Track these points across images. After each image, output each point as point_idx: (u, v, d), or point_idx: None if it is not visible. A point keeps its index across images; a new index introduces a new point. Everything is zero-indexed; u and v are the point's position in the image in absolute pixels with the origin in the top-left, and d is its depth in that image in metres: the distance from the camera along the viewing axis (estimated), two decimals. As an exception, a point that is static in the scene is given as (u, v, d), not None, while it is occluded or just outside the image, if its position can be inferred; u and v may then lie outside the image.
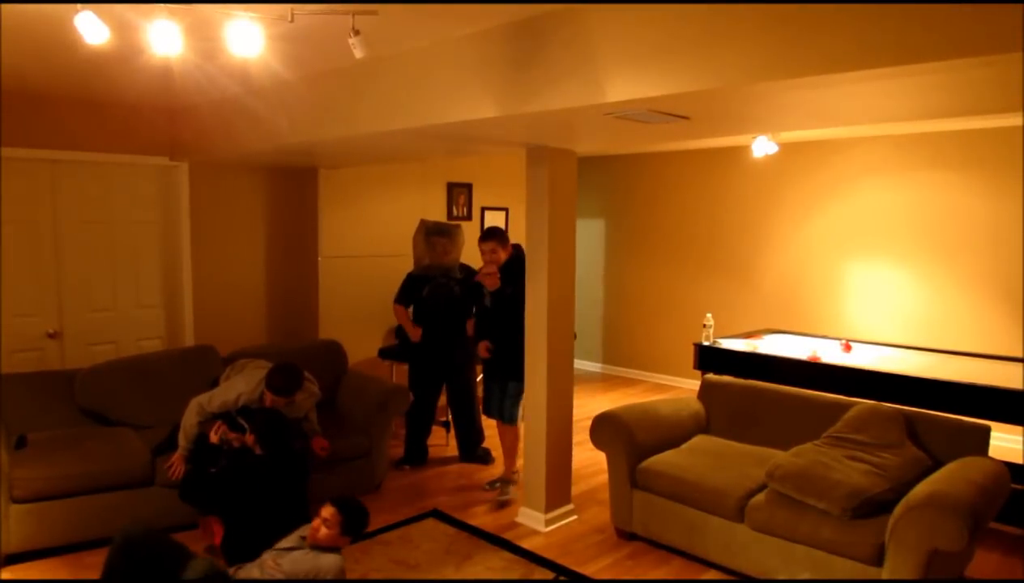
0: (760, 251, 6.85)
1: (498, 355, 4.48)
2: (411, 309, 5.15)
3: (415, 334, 5.10)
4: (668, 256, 7.57)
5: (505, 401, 4.50)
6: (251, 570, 2.98)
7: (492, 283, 4.42)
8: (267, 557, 2.99)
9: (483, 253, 4.48)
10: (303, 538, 3.03)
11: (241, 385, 3.87)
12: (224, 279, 5.65)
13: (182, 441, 3.77)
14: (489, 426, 5.65)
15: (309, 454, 3.77)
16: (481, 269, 4.48)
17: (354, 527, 3.01)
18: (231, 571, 3.03)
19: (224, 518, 3.40)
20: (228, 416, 3.68)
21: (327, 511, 2.99)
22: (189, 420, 3.77)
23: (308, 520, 3.45)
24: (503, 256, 4.47)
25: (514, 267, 4.39)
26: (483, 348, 4.56)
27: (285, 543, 3.04)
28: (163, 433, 4.00)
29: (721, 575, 3.53)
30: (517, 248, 4.52)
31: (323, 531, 2.96)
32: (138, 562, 2.80)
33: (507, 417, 4.52)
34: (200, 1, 2.58)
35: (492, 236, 4.49)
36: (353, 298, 5.97)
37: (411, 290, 5.11)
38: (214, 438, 3.56)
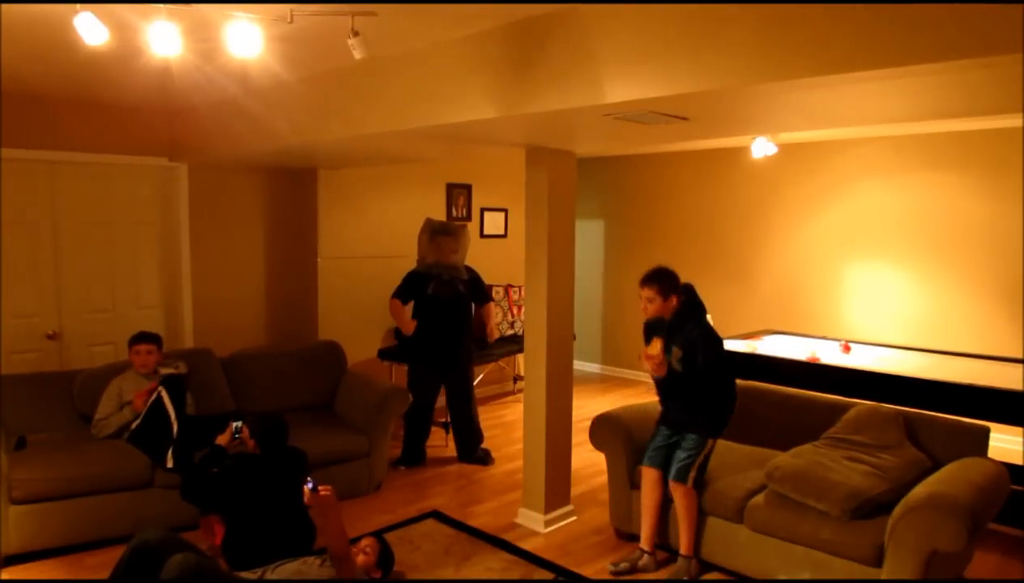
0: (759, 252, 6.85)
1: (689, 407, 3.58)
2: (409, 306, 5.16)
3: (409, 327, 5.10)
4: (667, 257, 7.50)
5: (676, 453, 3.55)
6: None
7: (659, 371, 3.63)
8: (313, 558, 3.07)
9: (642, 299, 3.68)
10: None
11: (115, 382, 4.14)
12: (223, 280, 5.65)
13: (115, 422, 4.04)
14: (489, 424, 5.68)
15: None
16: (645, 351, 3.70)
17: (386, 561, 3.26)
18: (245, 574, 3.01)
19: (225, 518, 3.40)
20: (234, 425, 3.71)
21: (366, 542, 3.24)
22: (107, 429, 4.06)
23: (308, 520, 3.45)
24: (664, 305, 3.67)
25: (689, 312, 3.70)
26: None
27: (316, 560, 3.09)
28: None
29: (721, 575, 3.52)
30: (688, 288, 3.75)
31: (362, 558, 3.14)
32: (150, 567, 2.78)
33: (679, 473, 3.50)
34: (200, 1, 2.58)
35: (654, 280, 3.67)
36: (352, 299, 5.97)
37: (412, 287, 5.11)
38: (222, 441, 3.58)
